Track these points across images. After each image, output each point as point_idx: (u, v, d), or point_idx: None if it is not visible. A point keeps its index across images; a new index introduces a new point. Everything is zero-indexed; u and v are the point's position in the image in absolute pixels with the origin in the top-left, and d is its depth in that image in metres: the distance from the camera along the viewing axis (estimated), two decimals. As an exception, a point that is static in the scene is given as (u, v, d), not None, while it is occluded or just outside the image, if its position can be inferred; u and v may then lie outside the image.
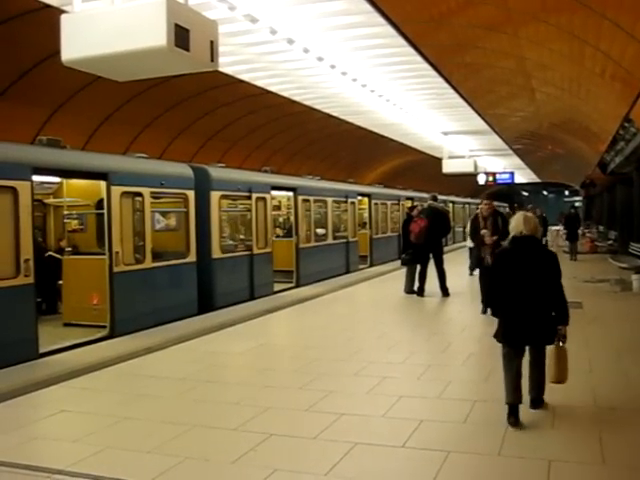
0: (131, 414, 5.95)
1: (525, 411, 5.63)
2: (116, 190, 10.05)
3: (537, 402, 5.84)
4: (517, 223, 5.74)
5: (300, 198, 16.57)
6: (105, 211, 10.00)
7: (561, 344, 5.64)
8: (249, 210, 14.05)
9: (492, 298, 5.96)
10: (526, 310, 5.55)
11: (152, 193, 11.00)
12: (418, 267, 13.65)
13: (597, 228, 39.32)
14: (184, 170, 12.12)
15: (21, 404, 6.33)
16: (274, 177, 16.09)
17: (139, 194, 10.67)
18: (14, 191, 8.33)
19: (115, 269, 9.94)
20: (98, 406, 6.25)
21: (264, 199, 14.55)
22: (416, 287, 13.53)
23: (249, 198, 13.96)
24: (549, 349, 5.73)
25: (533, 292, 5.55)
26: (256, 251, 13.98)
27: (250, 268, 13.73)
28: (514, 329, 5.61)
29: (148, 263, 10.76)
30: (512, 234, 5.81)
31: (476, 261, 11.49)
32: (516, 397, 5.52)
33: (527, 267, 5.61)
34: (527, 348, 5.78)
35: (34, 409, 6.22)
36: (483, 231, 10.72)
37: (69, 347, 8.93)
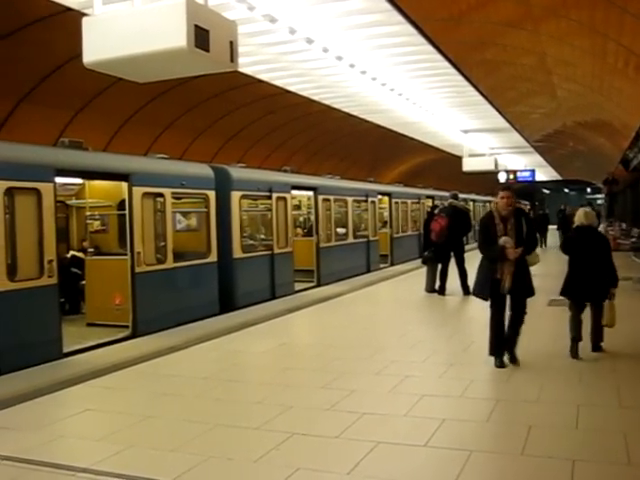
0: (154, 413, 5.99)
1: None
2: (137, 191, 10.15)
3: (597, 347, 7.79)
4: (579, 217, 7.95)
5: (320, 197, 16.57)
6: (127, 212, 10.09)
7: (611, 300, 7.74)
8: (270, 210, 14.09)
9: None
10: (588, 277, 7.63)
11: (173, 194, 11.08)
12: (439, 266, 13.59)
13: (620, 225, 38.86)
14: (205, 170, 12.17)
15: (46, 403, 6.39)
16: (294, 177, 16.11)
17: (160, 195, 10.75)
18: (37, 193, 8.44)
19: (137, 269, 10.02)
20: (122, 405, 6.30)
21: (284, 199, 14.57)
22: (437, 286, 13.48)
23: (269, 198, 13.98)
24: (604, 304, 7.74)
25: (592, 265, 7.64)
26: (277, 250, 14.01)
27: (271, 267, 13.76)
28: (578, 289, 7.74)
29: (170, 263, 10.83)
30: (576, 224, 8.01)
31: (487, 284, 7.33)
32: (577, 334, 7.63)
33: (587, 248, 7.72)
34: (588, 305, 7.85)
35: (59, 408, 6.29)
36: (504, 239, 7.13)
37: (92, 347, 9.02)
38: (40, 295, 8.39)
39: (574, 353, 7.55)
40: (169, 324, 10.11)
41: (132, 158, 11.31)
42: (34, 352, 8.03)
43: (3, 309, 7.91)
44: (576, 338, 7.62)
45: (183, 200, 11.92)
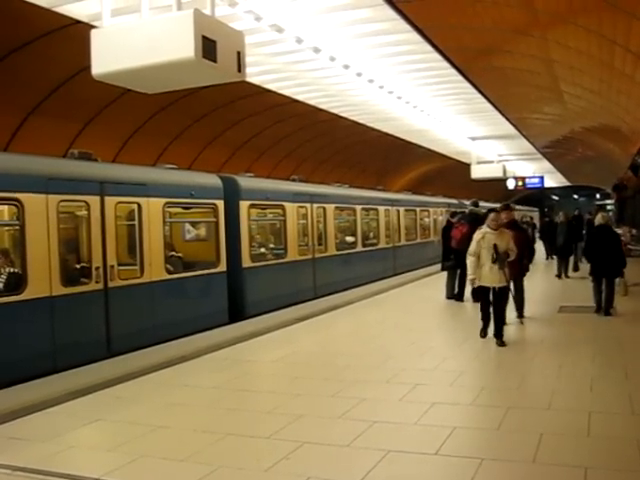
0: (164, 423, 5.99)
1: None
2: (110, 200, 9.52)
3: (607, 312, 10.56)
4: (598, 219, 11.24)
5: (315, 206, 15.92)
6: (100, 222, 9.37)
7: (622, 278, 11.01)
8: (278, 219, 14.15)
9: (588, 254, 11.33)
10: (605, 261, 10.57)
11: (150, 203, 10.42)
12: (458, 272, 13.55)
13: (630, 231, 38.68)
14: (213, 180, 12.13)
15: (57, 413, 6.40)
16: (299, 185, 15.88)
17: (138, 205, 10.18)
18: (87, 205, 9.00)
19: (110, 284, 9.42)
20: (132, 415, 6.30)
21: (293, 207, 14.55)
22: (456, 291, 13.46)
23: (278, 207, 14.00)
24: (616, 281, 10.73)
25: (607, 251, 10.58)
26: (317, 255, 14.58)
27: (313, 270, 14.31)
28: (598, 270, 10.74)
29: (147, 277, 10.19)
30: (597, 224, 11.15)
31: None
32: (599, 299, 10.81)
33: (604, 240, 10.67)
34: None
35: (70, 418, 6.29)
36: None
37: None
38: (89, 299, 8.91)
39: (598, 309, 10.73)
40: (149, 341, 9.67)
41: (105, 166, 10.61)
42: (85, 351, 8.59)
43: (57, 312, 8.39)
44: (598, 302, 10.77)
45: (192, 210, 11.94)
